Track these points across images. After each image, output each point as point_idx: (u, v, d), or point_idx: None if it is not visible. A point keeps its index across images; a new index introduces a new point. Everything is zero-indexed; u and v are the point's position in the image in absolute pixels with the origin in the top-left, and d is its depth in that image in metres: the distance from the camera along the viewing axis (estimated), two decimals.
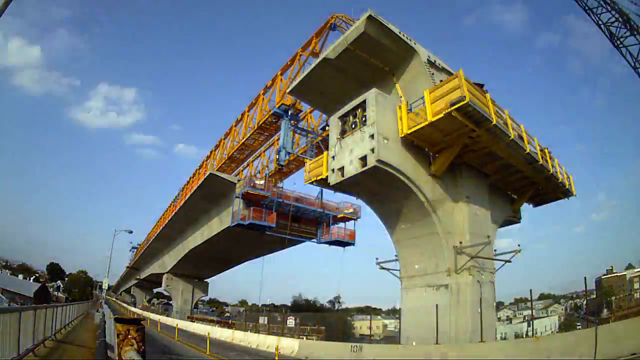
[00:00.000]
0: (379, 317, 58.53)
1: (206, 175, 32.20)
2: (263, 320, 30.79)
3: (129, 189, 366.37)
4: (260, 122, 28.57)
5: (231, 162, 35.63)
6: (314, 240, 32.76)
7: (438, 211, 14.72)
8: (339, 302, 69.68)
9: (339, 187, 16.09)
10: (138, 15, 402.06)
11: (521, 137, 14.75)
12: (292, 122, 26.33)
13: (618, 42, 27.07)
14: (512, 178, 17.14)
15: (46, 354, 9.97)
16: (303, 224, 31.73)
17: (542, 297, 65.42)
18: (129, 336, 4.12)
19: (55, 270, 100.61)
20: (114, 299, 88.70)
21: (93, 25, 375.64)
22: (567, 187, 18.34)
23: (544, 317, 47.83)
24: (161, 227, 48.80)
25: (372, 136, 13.51)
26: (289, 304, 69.68)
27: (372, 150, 13.32)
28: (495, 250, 15.47)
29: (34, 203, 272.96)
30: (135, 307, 63.88)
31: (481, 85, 14.02)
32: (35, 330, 9.44)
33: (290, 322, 26.29)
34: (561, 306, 59.30)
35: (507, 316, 56.74)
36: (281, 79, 27.34)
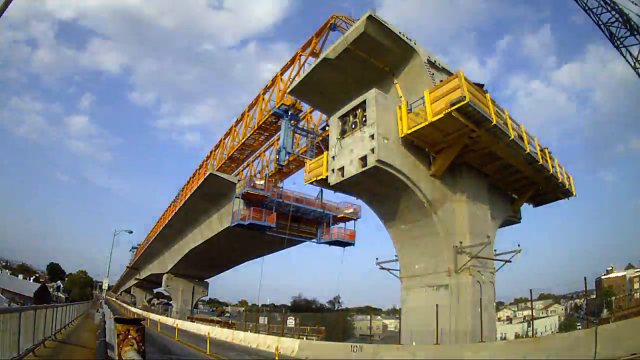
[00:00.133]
0: (379, 317, 58.69)
1: (206, 175, 32.20)
2: (263, 320, 30.86)
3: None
4: (261, 122, 28.60)
5: (231, 162, 35.67)
6: (314, 240, 32.79)
7: (438, 211, 14.71)
8: (339, 302, 69.75)
9: (339, 187, 16.08)
10: None
11: (521, 137, 14.74)
12: (292, 122, 26.34)
13: (618, 42, 27.11)
14: (512, 178, 17.13)
15: (46, 354, 9.94)
16: (303, 224, 31.75)
17: (542, 297, 65.24)
18: (129, 336, 4.13)
19: (55, 271, 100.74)
20: (114, 299, 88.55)
21: None
22: (567, 187, 18.32)
23: (544, 317, 47.84)
24: (161, 227, 48.81)
25: (372, 136, 13.50)
26: (289, 304, 69.78)
27: (372, 150, 13.31)
28: (495, 250, 15.47)
29: (33, 203, 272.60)
30: (135, 307, 63.78)
31: (481, 85, 14.02)
32: (36, 330, 9.43)
33: (290, 322, 26.34)
34: (561, 306, 59.35)
35: (507, 316, 56.75)
36: (281, 79, 27.37)
